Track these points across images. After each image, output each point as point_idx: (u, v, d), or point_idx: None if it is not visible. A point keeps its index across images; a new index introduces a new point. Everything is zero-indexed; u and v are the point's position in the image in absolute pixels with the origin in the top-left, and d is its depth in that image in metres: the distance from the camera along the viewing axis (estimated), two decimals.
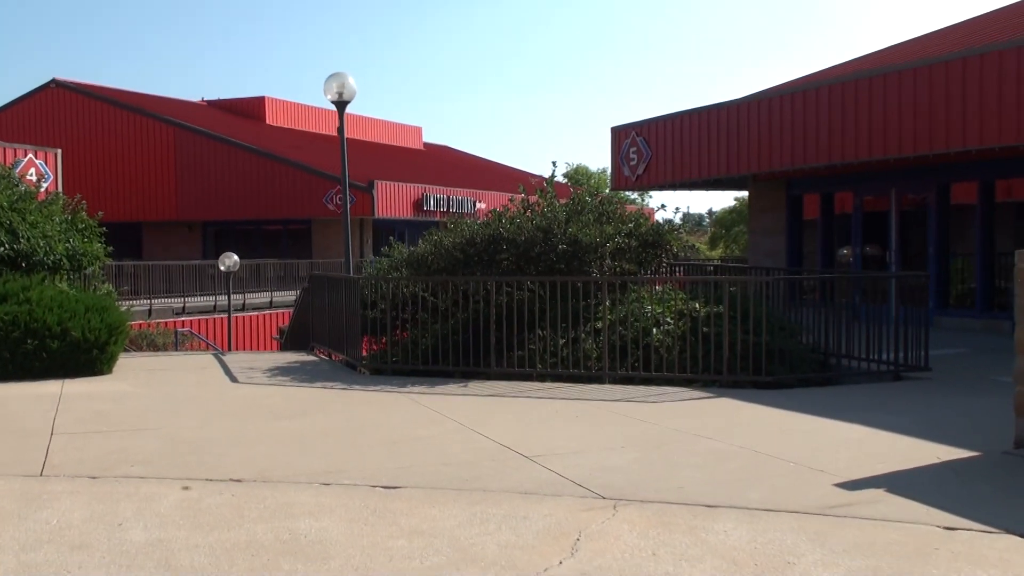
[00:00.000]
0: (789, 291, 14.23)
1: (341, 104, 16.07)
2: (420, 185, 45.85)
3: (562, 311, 12.34)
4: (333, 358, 14.74)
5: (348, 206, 16.65)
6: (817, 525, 6.10)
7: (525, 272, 13.10)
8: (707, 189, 25.00)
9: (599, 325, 12.41)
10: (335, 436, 8.99)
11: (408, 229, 47.20)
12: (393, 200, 43.56)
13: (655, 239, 13.87)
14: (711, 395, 11.17)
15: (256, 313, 32.97)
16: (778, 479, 7.26)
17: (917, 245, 19.16)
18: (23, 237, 14.28)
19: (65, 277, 15.41)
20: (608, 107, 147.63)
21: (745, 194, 71.68)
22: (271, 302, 33.97)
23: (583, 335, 12.35)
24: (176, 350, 23.55)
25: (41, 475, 7.45)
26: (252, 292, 33.46)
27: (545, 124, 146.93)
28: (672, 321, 12.47)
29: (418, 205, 45.31)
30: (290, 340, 17.69)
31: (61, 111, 48.11)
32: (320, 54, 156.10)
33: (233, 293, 29.65)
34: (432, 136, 71.40)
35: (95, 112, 47.83)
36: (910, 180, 18.97)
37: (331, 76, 16.03)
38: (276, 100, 57.40)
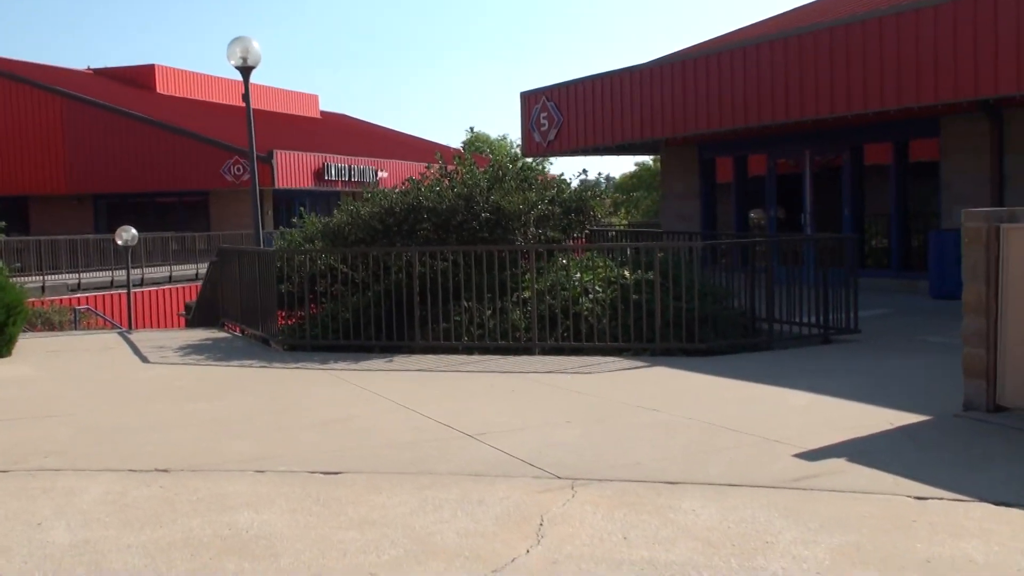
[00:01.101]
0: (706, 256, 14.05)
1: (246, 70, 15.40)
2: (320, 154, 44.90)
3: (487, 281, 11.96)
4: (246, 334, 14.15)
5: (256, 176, 15.99)
6: (787, 500, 5.85)
7: (446, 242, 12.67)
8: (618, 154, 24.78)
9: (526, 295, 12.07)
10: (261, 418, 8.50)
11: (309, 199, 46.24)
12: (293, 170, 42.58)
13: (578, 205, 13.55)
14: (645, 364, 10.91)
15: (155, 288, 31.91)
16: (735, 451, 7.00)
17: (831, 206, 19.18)
18: None
19: None
20: (507, 74, 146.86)
21: (647, 159, 72.29)
22: (170, 276, 32.91)
23: (510, 305, 11.99)
24: (76, 329, 22.57)
25: None
26: (150, 267, 32.36)
27: (443, 92, 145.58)
28: (600, 289, 12.19)
29: (319, 175, 44.37)
30: (198, 316, 17.00)
31: None
32: (211, 20, 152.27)
33: (131, 268, 28.63)
34: (328, 105, 70.15)
35: None
36: (824, 142, 18.95)
37: (234, 40, 15.33)
38: (167, 68, 55.66)
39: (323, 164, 44.55)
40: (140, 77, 54.58)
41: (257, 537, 5.32)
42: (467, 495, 6.08)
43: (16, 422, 8.42)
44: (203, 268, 34.27)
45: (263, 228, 42.95)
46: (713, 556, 4.97)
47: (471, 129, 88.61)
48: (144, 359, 12.03)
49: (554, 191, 13.45)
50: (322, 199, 47.26)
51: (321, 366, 11.31)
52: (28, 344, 13.12)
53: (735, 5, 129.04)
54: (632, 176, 75.84)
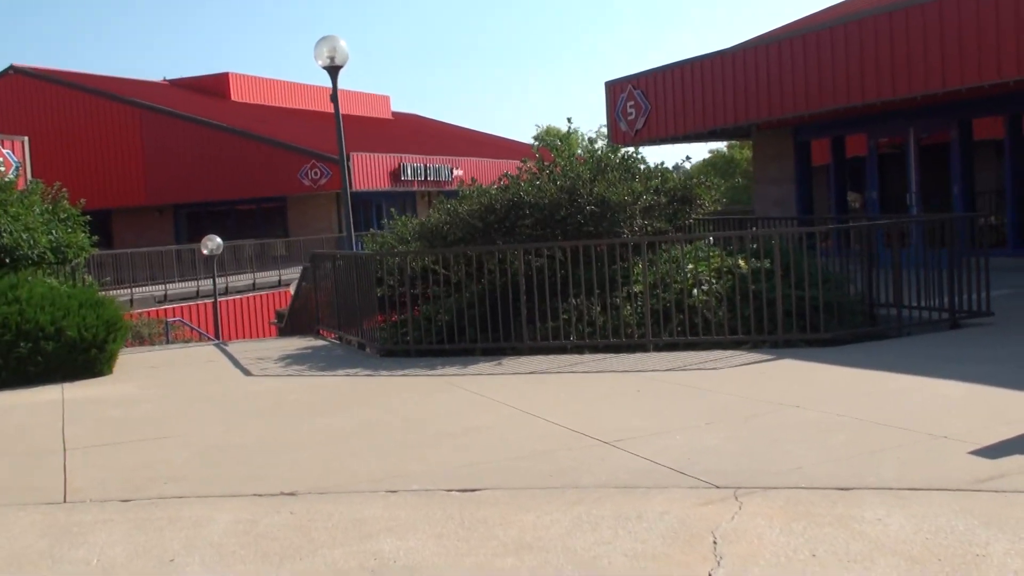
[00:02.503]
0: (812, 241, 13.36)
1: (333, 69, 15.08)
2: (396, 155, 44.76)
3: (594, 276, 11.46)
4: (343, 341, 13.80)
5: (348, 178, 15.65)
6: (981, 505, 5.28)
7: (549, 237, 12.19)
8: (708, 140, 24.15)
9: (637, 289, 11.55)
10: (382, 432, 8.09)
11: (385, 200, 46.16)
12: (369, 171, 42.46)
13: (684, 194, 12.99)
14: (771, 357, 10.33)
15: (240, 296, 31.93)
16: (901, 450, 6.43)
17: (937, 185, 18.39)
18: (5, 231, 13.23)
19: (50, 271, 14.38)
20: (577, 68, 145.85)
21: (721, 145, 71.02)
22: (254, 284, 32.94)
23: (620, 301, 11.47)
24: (167, 341, 22.54)
25: (65, 502, 6.51)
26: (233, 274, 32.40)
27: (510, 88, 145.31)
28: (714, 279, 11.63)
29: (395, 175, 44.23)
30: (291, 324, 16.72)
31: (21, 98, 46.59)
32: (280, 26, 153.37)
33: (216, 277, 28.66)
34: (398, 105, 70.06)
35: (56, 98, 46.38)
36: (929, 118, 18.14)
37: (322, 40, 15.02)
38: (240, 75, 55.99)
39: (399, 164, 44.40)
40: (214, 86, 54.96)
41: (407, 568, 4.90)
42: (622, 510, 5.60)
43: (129, 445, 8.10)
44: (286, 274, 34.35)
45: (340, 231, 43.12)
46: (921, 574, 4.44)
47: (538, 125, 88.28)
48: (247, 372, 11.71)
49: (658, 180, 12.91)
50: (398, 199, 47.17)
51: (428, 372, 10.90)
52: (127, 360, 12.90)
53: None
54: (706, 163, 74.84)
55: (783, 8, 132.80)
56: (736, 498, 5.69)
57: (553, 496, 5.96)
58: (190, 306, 29.16)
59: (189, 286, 30.42)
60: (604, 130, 77.97)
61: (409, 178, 45.09)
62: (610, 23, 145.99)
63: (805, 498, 5.59)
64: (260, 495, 6.35)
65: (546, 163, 13.63)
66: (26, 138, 26.10)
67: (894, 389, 8.41)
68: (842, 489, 5.70)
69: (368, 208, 47.58)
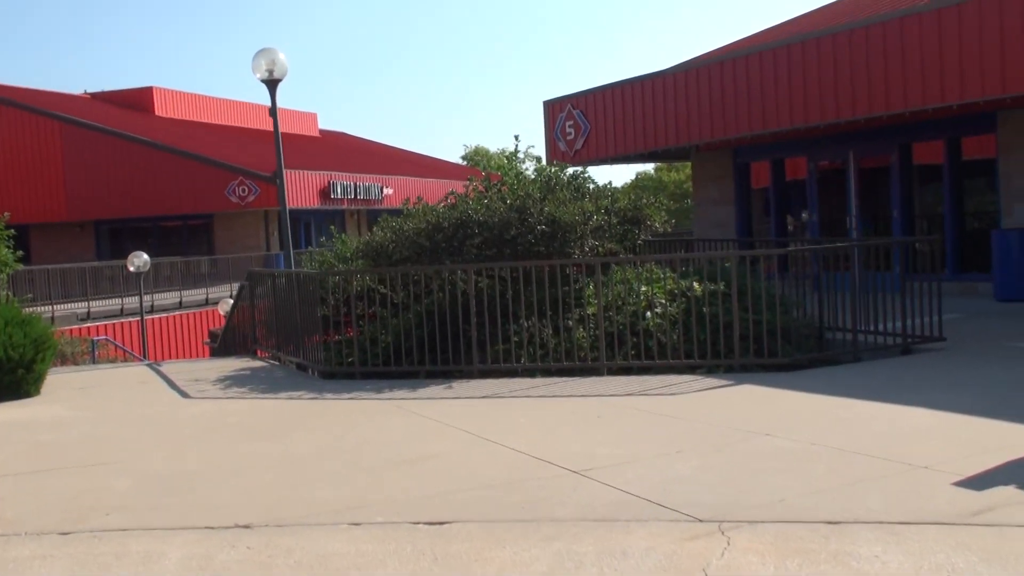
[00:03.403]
0: (752, 264, 13.20)
1: (272, 82, 14.63)
2: (325, 173, 44.16)
3: (545, 298, 11.18)
4: (283, 362, 13.34)
5: (284, 194, 15.23)
6: (978, 540, 5.08)
7: (497, 257, 11.89)
8: (648, 161, 24.07)
9: (590, 311, 11.28)
10: (334, 458, 7.69)
11: (315, 219, 45.51)
12: (299, 189, 41.78)
13: (634, 215, 12.77)
14: (730, 382, 10.12)
15: (166, 315, 31.10)
16: (884, 481, 6.22)
17: (877, 208, 18.45)
18: None
19: None
20: (505, 88, 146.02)
21: (648, 167, 71.41)
22: (180, 302, 32.11)
23: (572, 323, 11.20)
24: (93, 360, 21.77)
25: None
26: (159, 292, 31.54)
27: (435, 107, 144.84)
28: (667, 302, 11.41)
29: (324, 194, 43.61)
30: (224, 344, 16.19)
31: None
32: (206, 40, 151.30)
33: (137, 295, 27.89)
34: (324, 123, 69.24)
35: None
36: (869, 141, 18.19)
37: (260, 52, 14.57)
38: (165, 90, 54.87)
39: (328, 182, 43.82)
40: (138, 100, 53.80)
41: None
42: (605, 546, 5.30)
43: (64, 472, 7.60)
44: (213, 292, 33.61)
45: (268, 249, 42.36)
46: None
47: (466, 145, 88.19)
48: (184, 394, 11.21)
49: (608, 200, 12.67)
50: (327, 217, 46.52)
51: (376, 395, 10.51)
52: (54, 380, 12.29)
53: (751, 6, 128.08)
54: (633, 185, 75.25)
55: (721, 31, 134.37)
56: (722, 532, 5.43)
57: (529, 530, 5.64)
58: (115, 324, 28.28)
59: (113, 304, 29.53)
60: (532, 151, 78.08)
61: (339, 196, 44.51)
62: (541, 42, 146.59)
63: (795, 532, 5.35)
64: (212, 527, 5.94)
65: (493, 182, 13.35)
66: None
67: (862, 416, 8.23)
68: (831, 523, 5.47)
69: (296, 226, 46.83)
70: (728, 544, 5.23)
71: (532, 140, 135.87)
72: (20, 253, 15.19)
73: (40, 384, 11.47)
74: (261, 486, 6.89)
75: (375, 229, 13.43)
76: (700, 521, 5.62)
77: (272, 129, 14.91)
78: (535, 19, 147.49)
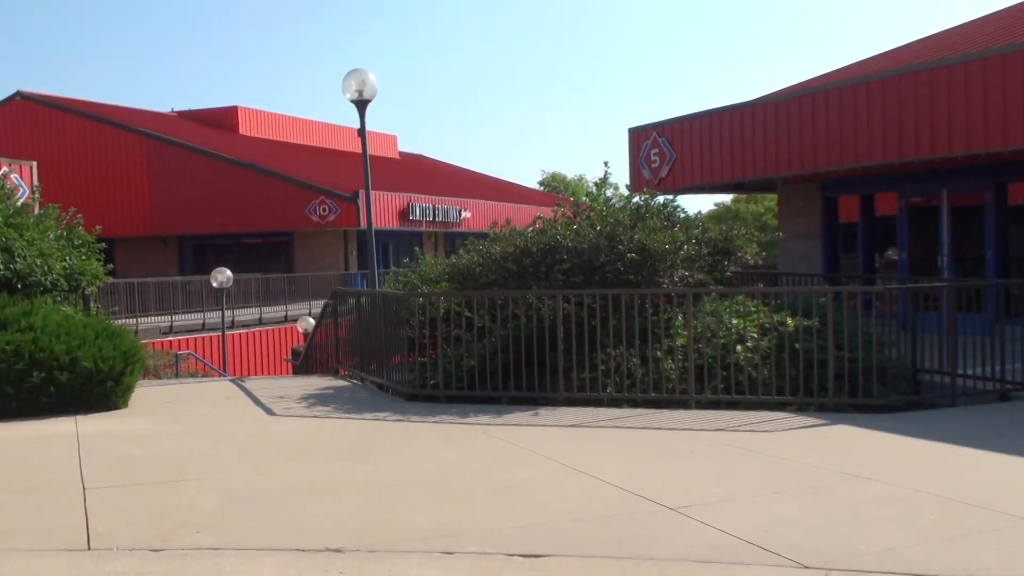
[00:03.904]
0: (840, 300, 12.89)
1: (362, 103, 14.69)
2: (405, 194, 44.40)
3: (633, 327, 11.01)
4: (365, 382, 13.30)
5: (372, 215, 15.29)
6: None
7: (585, 284, 11.75)
8: (733, 192, 23.77)
9: (680, 342, 11.08)
10: (422, 484, 7.57)
11: (393, 240, 45.75)
12: (378, 210, 41.99)
13: (725, 245, 12.57)
14: (824, 421, 9.85)
15: (246, 331, 31.34)
16: (997, 534, 5.96)
17: (969, 248, 17.99)
18: (19, 256, 12.75)
19: (64, 299, 13.89)
20: (581, 114, 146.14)
21: (726, 198, 70.81)
22: (260, 319, 32.36)
23: (660, 354, 11.01)
24: (176, 374, 21.99)
25: (89, 548, 5.99)
26: (239, 308, 31.83)
27: (513, 132, 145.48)
28: (757, 336, 11.18)
29: (403, 215, 43.84)
30: (306, 361, 16.22)
31: (27, 124, 46.16)
32: (289, 62, 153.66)
33: (219, 310, 28.16)
34: (403, 145, 69.67)
35: (63, 125, 46.00)
36: (964, 179, 17.76)
37: (350, 73, 14.65)
38: (249, 109, 55.69)
39: (407, 204, 44.04)
40: (223, 119, 54.66)
41: None
42: None
43: (153, 487, 7.58)
44: (292, 310, 33.85)
45: (347, 268, 42.59)
46: None
47: (543, 171, 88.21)
48: (268, 411, 11.20)
49: (698, 230, 12.48)
50: (406, 239, 46.74)
51: (461, 419, 10.40)
52: (141, 393, 12.35)
53: (850, 36, 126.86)
54: (712, 216, 74.61)
55: (809, 61, 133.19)
56: None
57: (628, 568, 5.48)
58: (196, 338, 28.57)
59: (195, 318, 29.85)
60: (611, 177, 77.96)
61: (417, 218, 44.71)
62: (620, 69, 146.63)
63: None
64: (303, 550, 5.85)
65: (581, 208, 13.24)
66: (34, 163, 25.65)
67: (967, 464, 7.95)
68: None
69: (375, 246, 47.09)
70: None
71: (612, 167, 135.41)
72: (111, 266, 15.34)
73: (128, 396, 11.54)
74: (350, 509, 6.80)
75: (461, 252, 13.38)
76: (806, 568, 5.42)
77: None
78: (615, 46, 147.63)
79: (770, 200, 73.94)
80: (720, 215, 74.44)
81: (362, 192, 40.93)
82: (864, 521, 6.28)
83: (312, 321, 30.21)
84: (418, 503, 6.94)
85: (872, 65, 20.65)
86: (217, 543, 6.01)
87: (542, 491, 7.25)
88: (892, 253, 20.37)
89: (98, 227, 15.65)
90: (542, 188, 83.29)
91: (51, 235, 14.08)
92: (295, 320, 32.13)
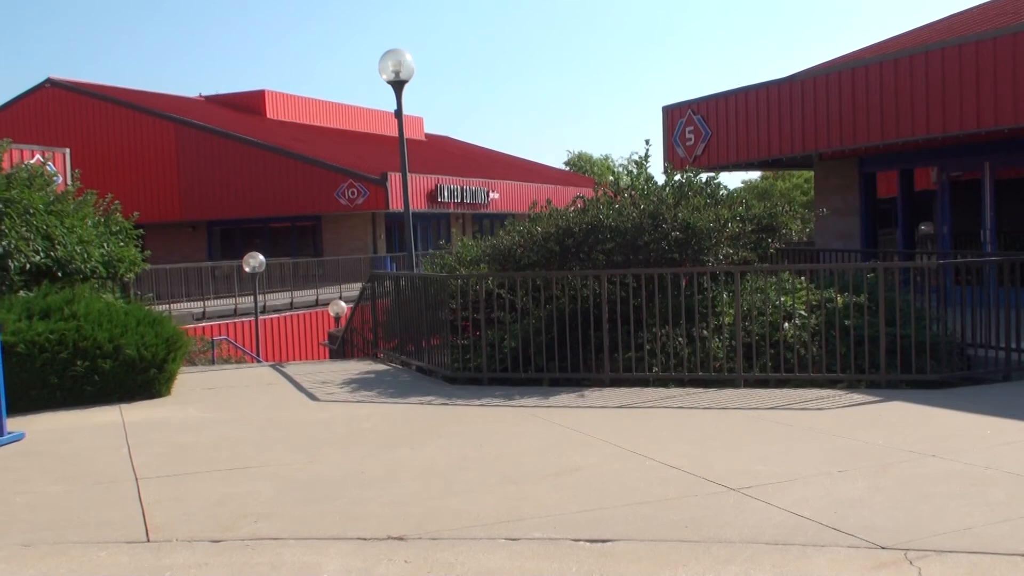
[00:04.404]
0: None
1: (399, 84, 14.53)
2: (433, 176, 44.27)
3: (681, 306, 10.87)
4: (407, 366, 13.20)
5: (408, 197, 15.10)
6: None
7: (628, 264, 11.60)
8: (769, 169, 23.50)
9: (727, 320, 10.93)
10: (477, 468, 7.48)
11: (421, 222, 45.64)
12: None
13: (768, 222, 12.37)
14: (878, 398, 9.69)
15: (278, 315, 31.33)
16: None
17: (1013, 221, 17.71)
18: (60, 243, 12.70)
19: (102, 286, 13.84)
20: (606, 93, 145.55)
21: (754, 175, 70.27)
22: (291, 303, 32.34)
23: (707, 332, 10.86)
24: (212, 360, 21.98)
25: (148, 540, 5.92)
26: (270, 293, 31.80)
27: (537, 113, 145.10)
28: (805, 313, 11.02)
29: (432, 197, 43.72)
30: (343, 345, 16.15)
31: (58, 111, 46.33)
32: (315, 46, 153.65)
33: (251, 295, 28.16)
34: (429, 127, 69.48)
35: (93, 111, 46.10)
36: (1007, 153, 17.45)
37: (387, 53, 14.49)
38: (276, 93, 55.64)
39: (436, 186, 43.91)
40: (250, 103, 54.65)
41: None
42: (784, 573, 5.01)
43: (206, 476, 7.51)
44: (323, 294, 33.83)
45: (375, 251, 42.52)
46: None
47: (569, 151, 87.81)
48: (312, 396, 11.12)
49: (742, 207, 12.29)
50: (434, 220, 46.66)
51: (507, 402, 10.30)
52: (183, 380, 12.29)
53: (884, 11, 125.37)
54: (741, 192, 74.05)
55: (842, 37, 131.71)
56: (910, 562, 5.09)
57: (698, 551, 5.35)
58: (229, 324, 28.56)
59: (227, 303, 29.84)
60: (636, 157, 77.67)
61: (446, 200, 44.59)
62: (645, 48, 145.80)
63: (991, 565, 4.99)
64: (365, 539, 5.76)
65: (622, 188, 13.07)
66: (67, 150, 25.67)
67: None
68: None
69: (403, 229, 47.00)
70: None
71: (635, 147, 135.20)
72: (148, 253, 15.30)
73: (171, 384, 11.49)
74: (407, 495, 6.70)
75: (501, 233, 13.26)
76: (883, 548, 5.29)
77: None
78: (641, 26, 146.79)
79: (798, 177, 73.53)
80: (749, 192, 74.14)
81: (391, 175, 41.09)
82: (934, 499, 6.14)
83: (343, 305, 30.22)
84: (477, 488, 6.84)
85: (911, 39, 20.33)
86: (277, 533, 5.93)
87: (601, 474, 7.13)
88: (926, 227, 20.12)
89: (136, 213, 15.62)
90: (568, 168, 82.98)
91: (89, 222, 14.03)
92: (326, 304, 32.15)
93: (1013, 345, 11.03)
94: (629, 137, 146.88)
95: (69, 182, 23.45)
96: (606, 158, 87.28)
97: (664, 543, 5.52)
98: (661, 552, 5.38)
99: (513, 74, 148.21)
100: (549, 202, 12.93)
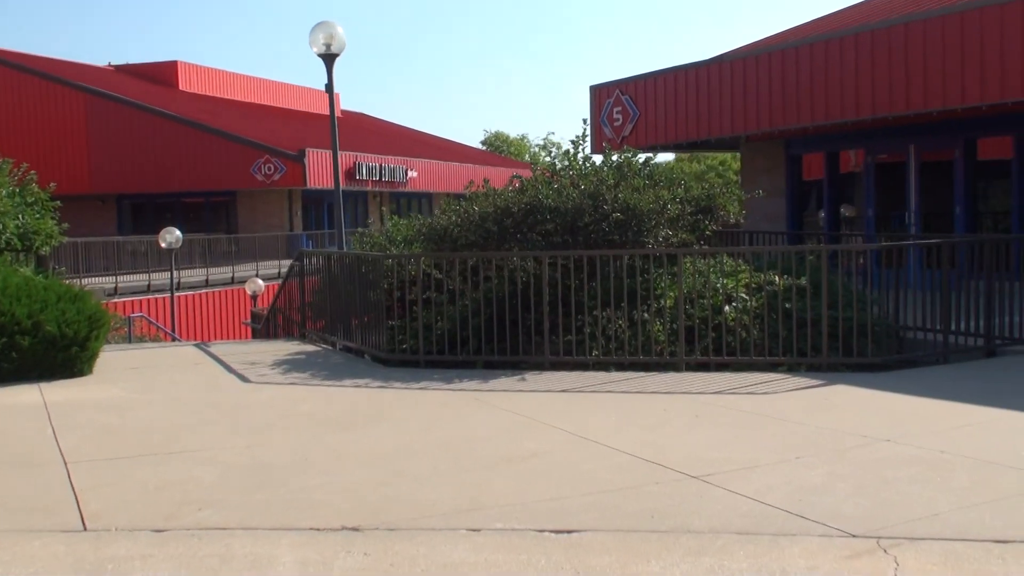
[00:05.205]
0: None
1: (330, 57, 14.16)
2: (351, 153, 43.66)
3: (621, 289, 10.74)
4: (336, 347, 12.89)
5: (339, 174, 14.74)
6: None
7: (569, 245, 11.44)
8: (696, 151, 23.57)
9: (668, 303, 10.82)
10: (427, 454, 7.24)
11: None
12: (324, 169, 41.30)
13: (707, 204, 12.30)
14: (821, 382, 9.65)
15: (193, 292, 30.63)
16: None
17: (938, 204, 17.93)
18: None
19: (15, 260, 13.28)
20: (522, 72, 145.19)
21: (668, 157, 70.94)
22: (207, 280, 31.64)
23: (648, 316, 10.74)
24: (129, 337, 21.34)
25: (85, 529, 5.59)
26: (185, 269, 31.05)
27: (451, 91, 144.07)
28: (746, 296, 10.96)
29: (350, 174, 43.11)
30: (268, 325, 15.75)
31: None
32: (228, 16, 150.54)
33: (165, 271, 27.50)
34: (344, 104, 68.56)
35: None
36: (932, 136, 17.67)
37: (318, 26, 14.10)
38: (189, 65, 54.45)
39: (354, 163, 43.35)
40: (162, 74, 53.40)
41: None
42: (760, 563, 4.87)
43: (142, 460, 7.16)
44: (240, 271, 33.17)
45: (291, 229, 41.84)
46: None
47: (485, 130, 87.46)
48: (243, 378, 10.76)
49: (681, 188, 12.19)
50: (350, 199, 46.05)
51: (447, 385, 10.06)
52: (105, 359, 11.81)
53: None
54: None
55: (768, 20, 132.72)
56: (884, 550, 4.99)
57: (668, 542, 5.20)
58: (142, 300, 27.83)
59: (139, 280, 29.06)
60: (552, 137, 77.47)
61: (364, 177, 44.04)
62: (565, 28, 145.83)
63: (964, 552, 4.92)
64: (318, 529, 5.50)
65: (558, 167, 12.89)
66: None
67: (980, 422, 7.80)
68: (999, 542, 5.04)
69: (320, 206, 46.43)
70: (897, 564, 4.80)
71: (552, 127, 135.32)
72: (66, 226, 14.73)
73: (93, 363, 11.05)
74: (358, 482, 6.45)
75: (437, 212, 13.02)
76: (854, 536, 5.19)
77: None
78: (559, 3, 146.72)
79: (712, 159, 74.22)
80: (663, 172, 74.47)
81: (309, 151, 40.45)
82: (896, 485, 6.07)
83: (261, 283, 29.67)
84: (429, 476, 6.61)
85: (840, 19, 20.47)
86: (224, 522, 5.64)
87: (556, 461, 6.95)
88: (847, 211, 20.29)
89: (53, 184, 15.02)
90: (485, 147, 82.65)
91: (3, 192, 13.44)
92: (242, 282, 31.51)
93: (952, 327, 11.11)
94: (546, 117, 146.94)
95: None
96: (523, 138, 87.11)
97: (632, 533, 5.36)
98: (630, 543, 5.21)
99: (428, 51, 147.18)
100: (486, 182, 12.70)
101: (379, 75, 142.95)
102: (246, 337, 25.28)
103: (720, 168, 72.61)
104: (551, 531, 5.40)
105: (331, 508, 5.87)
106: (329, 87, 14.31)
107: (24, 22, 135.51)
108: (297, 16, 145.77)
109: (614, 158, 12.75)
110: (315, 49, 14.09)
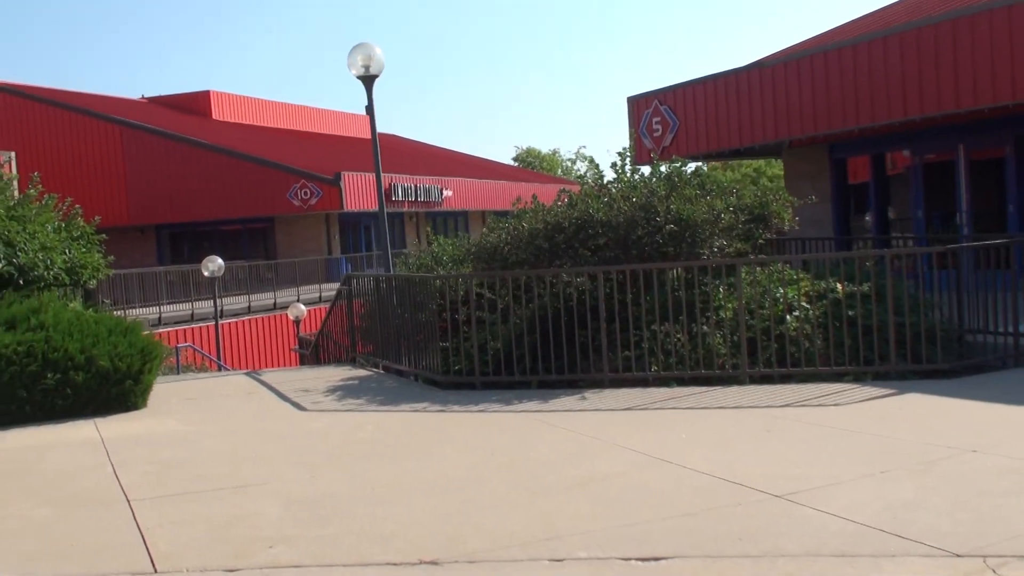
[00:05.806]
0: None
1: (369, 79, 14.01)
2: (387, 175, 43.51)
3: (678, 302, 10.50)
4: (388, 370, 12.72)
5: (383, 195, 14.61)
6: None
7: (622, 259, 11.21)
8: (739, 159, 23.26)
9: (727, 315, 10.57)
10: (496, 480, 7.03)
11: (374, 221, 44.99)
12: (360, 192, 41.33)
13: (760, 212, 12.05)
14: (891, 391, 9.36)
15: (236, 320, 30.60)
16: None
17: (989, 203, 17.56)
18: (22, 250, 12.07)
19: (64, 294, 13.22)
20: (552, 87, 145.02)
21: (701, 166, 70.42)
22: (249, 307, 31.62)
23: (707, 328, 10.50)
24: (178, 368, 21.30)
25: (156, 571, 5.43)
26: (226, 296, 31.05)
27: (480, 109, 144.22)
28: (808, 305, 10.69)
29: (387, 195, 42.96)
30: (317, 350, 15.61)
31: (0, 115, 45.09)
32: (260, 46, 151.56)
33: (207, 299, 27.49)
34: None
35: (36, 115, 44.93)
36: (981, 134, 17.31)
37: (356, 48, 13.97)
38: (222, 94, 54.73)
39: (390, 184, 43.28)
40: (195, 104, 53.70)
41: None
42: None
43: (204, 495, 7.00)
44: (281, 297, 33.14)
45: (330, 252, 41.85)
46: None
47: (516, 146, 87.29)
48: (298, 406, 10.60)
49: (734, 197, 11.95)
50: (387, 220, 45.94)
51: (507, 407, 9.86)
52: (158, 390, 11.71)
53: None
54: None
55: (809, 19, 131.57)
56: (993, 570, 4.75)
57: (763, 567, 4.97)
58: (187, 329, 27.84)
59: (183, 309, 29.09)
60: (584, 151, 77.15)
61: (400, 198, 43.99)
62: (588, 42, 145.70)
63: None
64: (395, 563, 5.32)
65: (606, 180, 12.69)
66: (13, 153, 24.89)
67: None
68: None
69: (356, 229, 46.46)
70: None
71: (583, 140, 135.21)
72: (112, 258, 14.68)
73: (147, 396, 10.93)
74: (428, 513, 6.25)
75: (485, 231, 12.82)
76: (959, 556, 4.94)
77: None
78: (585, 17, 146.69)
79: (746, 167, 73.69)
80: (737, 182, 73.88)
81: (345, 174, 40.45)
82: (993, 499, 5.81)
83: (303, 308, 29.61)
84: (502, 503, 6.41)
85: (881, 18, 20.15)
86: (297, 560, 5.46)
87: (630, 483, 6.73)
88: (891, 213, 19.93)
89: (97, 218, 14.99)
90: (516, 164, 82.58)
91: (50, 227, 13.40)
92: (284, 307, 31.49)
93: (1022, 330, 10.78)
94: (577, 130, 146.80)
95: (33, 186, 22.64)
96: (554, 153, 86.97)
97: (722, 559, 5.13)
98: (722, 569, 4.99)
99: (456, 69, 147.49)
100: (535, 197, 12.50)
101: (407, 96, 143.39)
102: (293, 363, 25.24)
103: (754, 175, 72.06)
104: (637, 559, 5.19)
105: (405, 540, 5.68)
106: (369, 108, 14.18)
107: (55, 60, 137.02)
108: (320, 41, 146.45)
109: (663, 169, 12.52)
110: (354, 71, 13.96)
